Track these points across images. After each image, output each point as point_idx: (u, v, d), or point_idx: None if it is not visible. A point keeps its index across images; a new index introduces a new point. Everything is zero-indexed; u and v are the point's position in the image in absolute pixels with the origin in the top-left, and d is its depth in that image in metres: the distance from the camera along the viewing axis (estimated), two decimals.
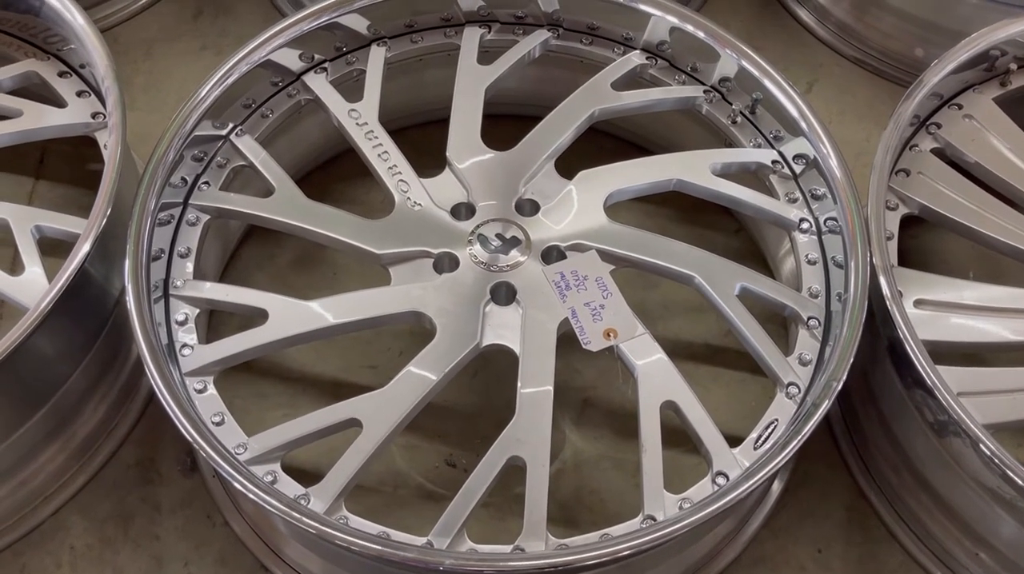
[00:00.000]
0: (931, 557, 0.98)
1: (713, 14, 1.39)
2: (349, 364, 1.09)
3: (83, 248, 0.90)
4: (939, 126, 1.07)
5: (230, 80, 1.02)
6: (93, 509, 1.01)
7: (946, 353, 0.93)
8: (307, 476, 0.88)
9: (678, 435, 0.92)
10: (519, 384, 0.89)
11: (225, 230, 1.11)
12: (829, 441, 1.06)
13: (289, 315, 0.92)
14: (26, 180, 1.22)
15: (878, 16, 1.33)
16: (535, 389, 0.89)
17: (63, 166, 1.22)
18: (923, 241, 1.17)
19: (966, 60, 1.05)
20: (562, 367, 1.06)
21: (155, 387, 0.85)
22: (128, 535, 1.00)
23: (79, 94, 1.11)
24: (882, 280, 0.90)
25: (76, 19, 1.03)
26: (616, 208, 1.03)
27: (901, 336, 0.88)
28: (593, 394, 1.08)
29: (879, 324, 0.93)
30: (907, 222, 1.07)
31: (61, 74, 1.12)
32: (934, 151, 1.06)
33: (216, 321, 1.10)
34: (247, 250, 1.17)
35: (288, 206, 0.99)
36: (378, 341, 1.10)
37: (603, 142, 1.18)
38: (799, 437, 0.83)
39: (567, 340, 0.95)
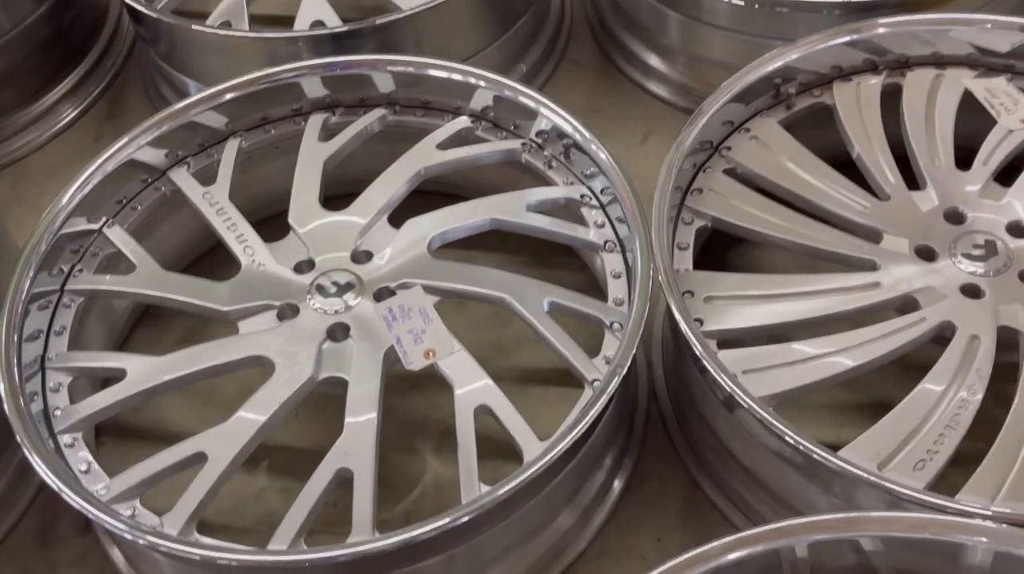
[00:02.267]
0: None
1: (557, 84, 1.55)
2: (228, 415, 1.19)
3: None
4: (729, 149, 1.19)
5: (92, 183, 1.16)
6: None
7: (743, 339, 1.03)
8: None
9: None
10: (347, 406, 1.00)
11: (110, 317, 1.23)
12: (666, 441, 1.15)
13: (144, 370, 1.04)
14: None
15: (703, 70, 1.47)
16: (360, 409, 0.99)
17: None
18: (747, 258, 1.28)
19: (743, 89, 1.18)
20: (424, 403, 1.18)
21: (20, 443, 0.95)
22: None
23: None
24: (662, 280, 1.01)
25: None
26: (468, 256, 1.15)
27: (680, 327, 0.98)
28: (451, 424, 1.17)
29: (675, 323, 1.04)
30: (733, 243, 1.19)
31: None
32: (725, 171, 1.18)
33: None
34: (137, 335, 1.29)
35: (147, 279, 1.12)
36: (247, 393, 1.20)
37: (439, 201, 1.30)
38: (586, 418, 0.93)
39: (426, 380, 1.06)
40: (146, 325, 1.30)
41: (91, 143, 1.54)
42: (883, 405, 1.13)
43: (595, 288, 1.27)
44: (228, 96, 1.22)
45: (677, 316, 0.99)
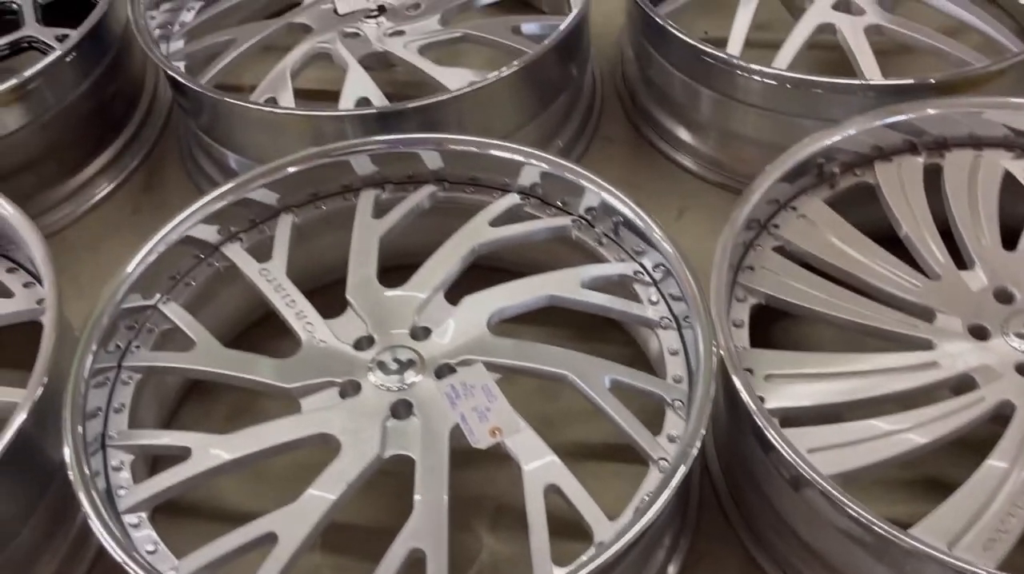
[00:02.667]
0: None
1: (592, 160, 1.58)
2: (282, 498, 1.19)
3: (21, 414, 1.01)
4: (777, 227, 1.22)
5: (152, 258, 1.17)
6: None
7: (800, 417, 1.05)
8: None
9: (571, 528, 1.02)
10: (416, 484, 1.00)
11: (161, 391, 1.23)
12: (721, 519, 1.16)
13: (209, 449, 1.04)
14: None
15: (736, 146, 1.50)
16: (430, 488, 1.00)
17: (13, 354, 1.35)
18: (792, 333, 1.30)
19: (791, 169, 1.21)
20: (479, 478, 1.18)
21: (92, 525, 0.95)
22: None
23: (25, 285, 1.26)
24: (726, 359, 1.03)
25: (15, 220, 1.19)
26: (515, 330, 1.16)
27: (747, 406, 1.00)
28: (506, 500, 1.18)
29: (735, 399, 1.05)
30: (776, 316, 1.21)
31: (9, 270, 1.27)
32: (775, 248, 1.20)
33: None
34: (185, 410, 1.29)
35: (208, 356, 1.12)
36: (305, 475, 1.20)
37: (496, 277, 1.32)
38: (661, 498, 0.93)
39: (480, 455, 1.07)
40: (194, 399, 1.30)
41: (129, 215, 1.55)
42: (935, 482, 1.15)
43: (642, 362, 1.28)
44: (291, 170, 1.24)
45: (743, 395, 1.00)
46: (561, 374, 1.08)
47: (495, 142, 1.24)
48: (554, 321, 1.31)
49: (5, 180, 1.42)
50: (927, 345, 1.08)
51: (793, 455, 0.96)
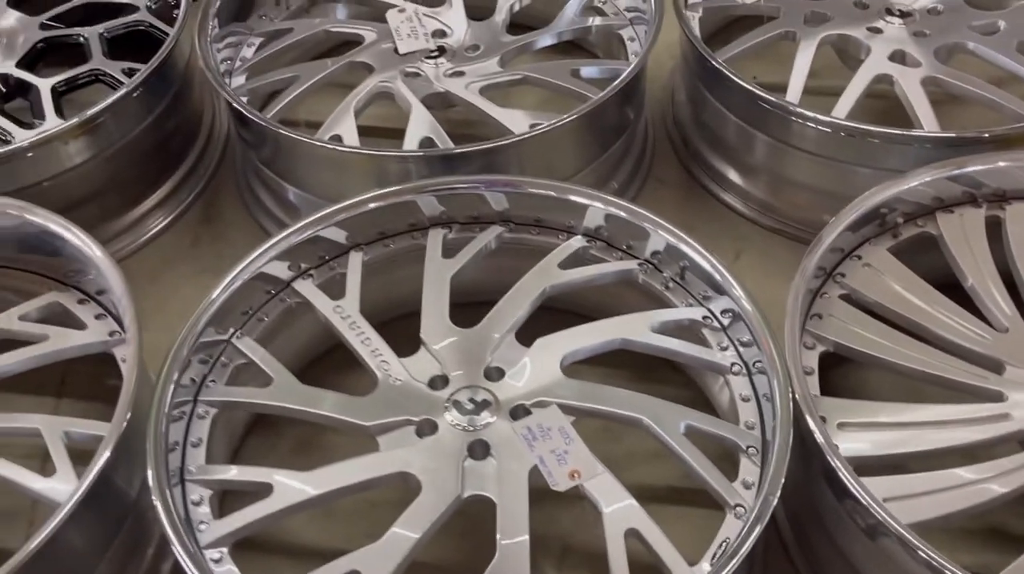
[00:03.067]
0: None
1: (646, 203, 1.59)
2: (351, 534, 1.20)
3: (108, 447, 1.02)
4: (843, 275, 1.24)
5: (232, 290, 1.18)
6: None
7: (872, 466, 1.06)
8: None
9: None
10: (498, 526, 1.01)
11: (230, 425, 1.24)
12: (789, 566, 1.17)
13: (291, 486, 1.05)
14: (49, 400, 1.36)
15: (790, 191, 1.53)
16: (512, 530, 1.01)
17: (83, 385, 1.37)
18: (851, 378, 1.32)
19: (856, 219, 1.23)
20: (542, 518, 1.19)
21: (180, 560, 0.96)
22: None
23: (97, 317, 1.27)
24: (803, 407, 1.04)
25: (95, 253, 1.21)
26: (576, 370, 1.18)
27: (826, 454, 1.01)
28: (572, 540, 1.19)
29: (810, 448, 1.07)
30: (834, 362, 1.23)
31: (80, 302, 1.29)
32: (841, 296, 1.22)
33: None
34: (251, 442, 1.30)
35: (285, 392, 1.14)
36: (374, 512, 1.21)
37: (558, 317, 1.33)
38: (745, 546, 0.95)
39: (544, 493, 1.08)
40: (258, 434, 1.31)
41: (188, 247, 1.57)
42: (996, 532, 1.17)
43: (702, 404, 1.29)
44: (372, 206, 1.26)
45: (820, 442, 1.01)
46: (637, 418, 1.09)
47: (573, 187, 1.27)
48: (613, 362, 1.32)
49: (69, 211, 1.42)
50: (998, 397, 1.10)
51: (872, 503, 0.97)
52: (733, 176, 1.58)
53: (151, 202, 1.57)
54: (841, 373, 1.32)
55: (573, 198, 1.25)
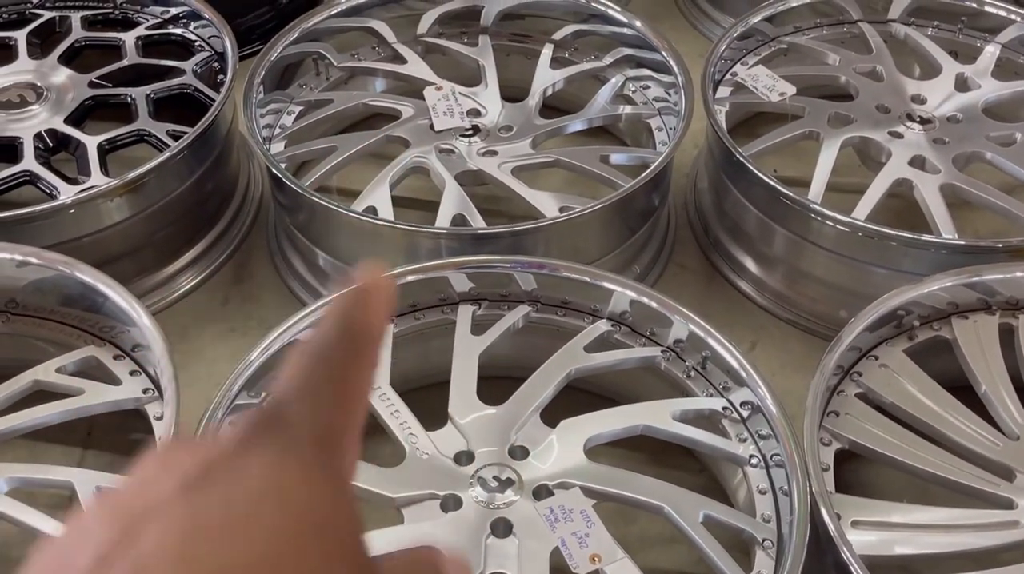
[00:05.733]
0: None
1: (666, 288, 1.64)
2: None
3: None
4: (860, 374, 1.27)
5: (268, 354, 1.22)
6: None
7: (883, 566, 1.09)
8: None
9: None
10: None
11: None
12: None
13: None
14: (74, 450, 1.39)
15: (807, 285, 1.57)
16: None
17: (108, 438, 1.39)
18: (861, 474, 1.35)
19: (875, 320, 1.27)
20: None
21: None
22: None
23: (131, 373, 1.30)
24: (820, 504, 1.07)
25: (139, 312, 1.25)
26: (595, 453, 1.21)
27: (841, 553, 1.04)
28: None
29: (824, 543, 1.10)
30: (846, 458, 1.26)
31: (116, 357, 1.32)
32: (858, 395, 1.25)
33: None
34: None
35: None
36: None
37: (579, 397, 1.37)
38: None
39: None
40: None
41: (218, 306, 1.60)
42: None
43: (716, 492, 1.32)
44: (410, 278, 1.29)
45: (837, 540, 1.04)
46: (658, 506, 1.12)
47: (605, 273, 1.31)
48: (630, 445, 1.35)
49: (105, 266, 1.46)
50: (1008, 504, 1.13)
51: None
52: (751, 266, 1.62)
53: (184, 260, 1.61)
54: (851, 469, 1.35)
55: (605, 284, 1.29)
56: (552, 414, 1.24)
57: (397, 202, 1.57)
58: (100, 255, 1.48)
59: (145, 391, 1.27)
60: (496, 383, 1.29)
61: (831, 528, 1.05)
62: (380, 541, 1.09)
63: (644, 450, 1.37)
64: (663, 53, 1.67)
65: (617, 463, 1.35)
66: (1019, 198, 1.57)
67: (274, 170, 1.49)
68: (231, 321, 1.57)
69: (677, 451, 1.34)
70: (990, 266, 1.32)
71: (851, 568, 1.03)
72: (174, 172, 1.52)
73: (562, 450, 1.18)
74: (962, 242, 1.42)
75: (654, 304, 1.29)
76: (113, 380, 1.29)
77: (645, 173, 1.45)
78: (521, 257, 1.33)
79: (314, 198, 1.46)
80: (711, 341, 1.25)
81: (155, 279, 1.59)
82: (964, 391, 1.28)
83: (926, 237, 1.41)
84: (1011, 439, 1.20)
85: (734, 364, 1.22)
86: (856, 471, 1.35)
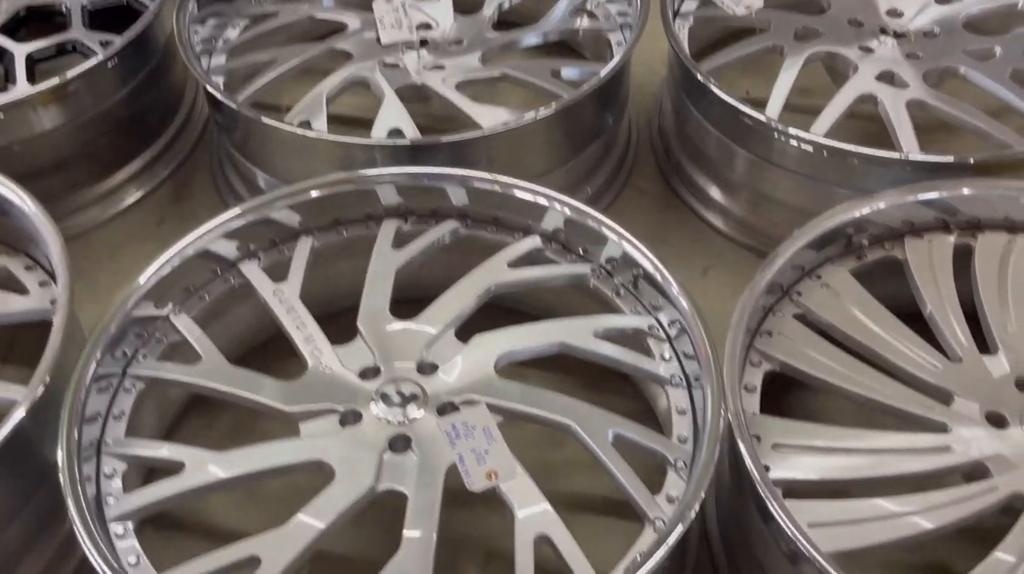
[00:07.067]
0: None
1: (620, 211, 1.57)
2: (274, 520, 1.17)
3: (20, 411, 1.01)
4: (800, 294, 1.20)
5: (167, 270, 1.16)
6: None
7: (807, 490, 1.02)
8: None
9: None
10: (406, 520, 0.98)
11: (163, 402, 1.22)
12: None
13: (203, 465, 1.02)
14: None
15: (768, 209, 1.49)
16: (420, 525, 0.98)
17: (29, 352, 1.35)
18: (808, 403, 1.27)
19: (819, 236, 1.19)
20: (471, 519, 1.16)
21: (75, 528, 0.94)
22: None
23: (41, 284, 1.26)
24: (734, 423, 1.01)
25: (33, 212, 1.20)
26: (527, 375, 1.15)
27: (749, 472, 0.97)
28: (497, 545, 1.16)
29: (740, 466, 1.03)
30: (796, 386, 1.19)
31: (27, 267, 1.28)
32: (795, 316, 1.18)
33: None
34: (187, 423, 1.28)
35: (212, 372, 1.12)
36: (299, 499, 1.18)
37: (508, 317, 1.30)
38: (651, 561, 0.91)
39: (474, 497, 1.04)
40: (197, 413, 1.29)
41: (154, 225, 1.56)
42: (939, 568, 1.12)
43: (649, 416, 1.26)
44: (314, 194, 1.23)
45: (747, 462, 0.97)
46: (564, 423, 1.06)
47: (520, 183, 1.23)
48: (566, 368, 1.29)
49: (35, 179, 1.41)
50: (942, 428, 1.05)
51: (792, 528, 0.93)
52: (712, 191, 1.54)
53: (122, 176, 1.56)
54: (798, 397, 1.28)
55: (518, 194, 1.22)
56: (473, 332, 1.17)
57: (339, 120, 1.50)
58: (32, 165, 1.45)
59: (53, 302, 1.23)
60: (424, 307, 1.23)
61: (742, 448, 0.98)
62: (271, 454, 1.05)
63: (582, 375, 1.31)
64: None
65: (550, 386, 1.28)
66: (1003, 124, 1.48)
67: (205, 84, 1.43)
68: (165, 241, 1.51)
69: (614, 376, 1.28)
70: (949, 182, 1.23)
71: (761, 492, 0.96)
72: (105, 81, 1.47)
73: (472, 366, 1.12)
74: (927, 158, 1.32)
75: (573, 215, 1.21)
76: (21, 290, 1.25)
77: (588, 83, 1.37)
78: (438, 169, 1.26)
79: (245, 112, 1.40)
80: (641, 259, 1.17)
81: (91, 195, 1.55)
82: (919, 320, 1.20)
83: (886, 153, 1.32)
84: (954, 362, 1.12)
85: (659, 280, 1.15)
86: (803, 400, 1.28)
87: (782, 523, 0.94)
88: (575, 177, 1.50)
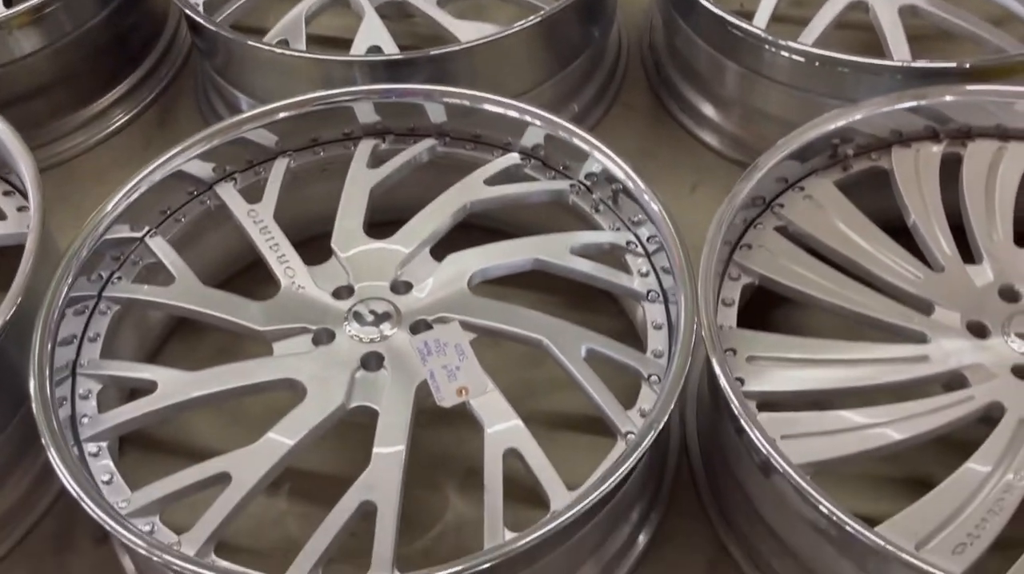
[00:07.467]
0: None
1: (609, 127, 1.54)
2: (253, 439, 1.18)
3: None
4: (782, 206, 1.17)
5: (139, 191, 1.16)
6: None
7: (783, 403, 1.01)
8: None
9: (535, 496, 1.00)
10: (376, 435, 0.98)
11: (143, 326, 1.22)
12: (695, 499, 1.13)
13: (175, 384, 1.03)
14: None
15: (758, 123, 1.45)
16: (389, 441, 0.98)
17: (6, 279, 1.35)
18: (793, 319, 1.26)
19: (802, 147, 1.17)
20: (452, 439, 1.16)
21: (46, 448, 0.94)
22: None
23: (19, 209, 1.25)
24: (706, 335, 0.99)
25: (5, 134, 1.19)
26: (505, 293, 1.13)
27: (720, 385, 0.96)
28: (476, 463, 1.16)
29: (715, 379, 1.02)
30: (776, 302, 1.17)
31: (6, 193, 1.27)
32: (777, 228, 1.16)
33: None
34: (170, 347, 1.28)
35: (185, 293, 1.11)
36: (277, 419, 1.19)
37: (480, 235, 1.27)
38: (619, 471, 0.90)
39: (454, 416, 1.04)
40: (179, 337, 1.29)
41: (140, 150, 1.55)
42: (922, 482, 1.10)
43: (632, 335, 1.25)
44: (282, 115, 1.22)
45: (718, 374, 0.96)
46: (537, 339, 1.05)
47: (491, 96, 1.21)
48: (545, 287, 1.28)
49: (15, 105, 1.41)
50: (921, 338, 1.03)
51: (762, 440, 0.92)
52: (702, 106, 1.51)
53: (105, 102, 1.55)
54: (783, 313, 1.26)
55: (489, 107, 1.20)
56: (449, 251, 1.16)
57: (320, 40, 1.48)
58: (10, 92, 1.43)
59: (30, 227, 1.22)
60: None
61: (713, 360, 0.97)
62: (243, 373, 1.05)
63: (562, 293, 1.29)
64: None
65: (532, 306, 1.28)
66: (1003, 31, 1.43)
67: (182, 6, 1.40)
68: None
69: (599, 296, 1.26)
70: (937, 88, 1.20)
71: (731, 403, 0.95)
72: (84, 2, 1.45)
73: (446, 284, 1.11)
74: (919, 64, 1.27)
75: (545, 127, 1.19)
76: (0, 215, 1.25)
77: None
78: (409, 85, 1.24)
79: (224, 33, 1.38)
80: (620, 173, 1.15)
81: (74, 121, 1.54)
82: (907, 232, 1.17)
83: (877, 60, 1.28)
84: (937, 272, 1.09)
85: (634, 191, 1.13)
86: (787, 315, 1.26)
87: (752, 435, 0.93)
88: (562, 93, 1.47)
